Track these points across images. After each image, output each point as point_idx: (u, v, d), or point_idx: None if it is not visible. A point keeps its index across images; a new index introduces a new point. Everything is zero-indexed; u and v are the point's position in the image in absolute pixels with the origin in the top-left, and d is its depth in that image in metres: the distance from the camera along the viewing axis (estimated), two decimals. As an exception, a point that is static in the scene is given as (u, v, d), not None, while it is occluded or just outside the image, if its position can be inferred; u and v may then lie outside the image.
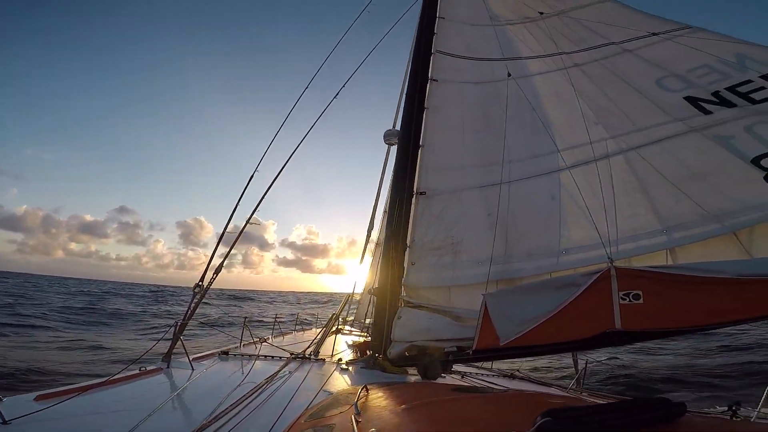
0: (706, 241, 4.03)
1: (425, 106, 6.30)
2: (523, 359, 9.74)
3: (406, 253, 5.48)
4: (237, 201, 5.76)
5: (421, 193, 5.61)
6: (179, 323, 4.92)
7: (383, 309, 5.38)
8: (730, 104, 4.54)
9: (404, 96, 6.70)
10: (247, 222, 5.70)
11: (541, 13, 6.76)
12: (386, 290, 5.41)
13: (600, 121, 5.20)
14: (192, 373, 4.56)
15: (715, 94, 4.71)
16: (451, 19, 7.49)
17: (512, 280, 4.94)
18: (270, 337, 7.87)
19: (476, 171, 5.65)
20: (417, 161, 5.87)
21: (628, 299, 3.18)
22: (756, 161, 4.01)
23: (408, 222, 5.57)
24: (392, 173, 6.17)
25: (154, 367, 4.63)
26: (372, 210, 6.63)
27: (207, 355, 5.48)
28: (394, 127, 6.65)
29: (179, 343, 4.80)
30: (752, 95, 4.51)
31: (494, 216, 5.09)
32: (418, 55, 6.87)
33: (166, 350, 4.81)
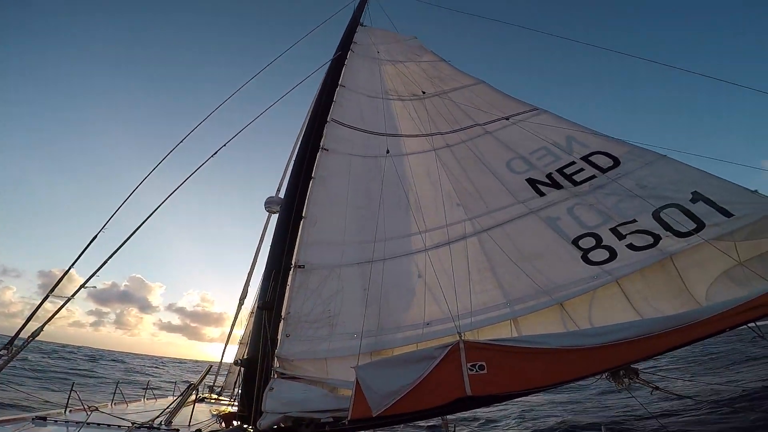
0: (541, 311, 5.03)
1: (312, 175, 7.00)
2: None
3: (281, 324, 5.95)
4: (75, 259, 5.74)
5: (299, 267, 6.22)
6: None
7: (253, 379, 5.74)
8: (559, 186, 5.76)
9: (292, 163, 7.28)
10: (83, 285, 5.60)
11: (424, 92, 8.02)
12: (257, 360, 5.78)
13: (462, 202, 6.29)
14: None
15: (549, 176, 5.94)
16: (351, 88, 8.47)
17: (384, 351, 5.64)
18: (109, 403, 7.45)
19: (355, 247, 6.42)
20: (298, 233, 6.46)
21: (474, 370, 4.06)
22: (575, 242, 5.15)
23: (283, 294, 6.09)
24: (271, 243, 6.55)
25: None
26: (246, 278, 6.92)
27: (15, 419, 5.12)
28: (277, 194, 7.10)
29: None
30: (575, 177, 5.77)
31: (369, 291, 5.90)
32: (314, 121, 7.59)
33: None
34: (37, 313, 5.22)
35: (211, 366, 7.85)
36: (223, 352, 7.26)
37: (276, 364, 5.83)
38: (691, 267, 4.68)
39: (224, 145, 6.92)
